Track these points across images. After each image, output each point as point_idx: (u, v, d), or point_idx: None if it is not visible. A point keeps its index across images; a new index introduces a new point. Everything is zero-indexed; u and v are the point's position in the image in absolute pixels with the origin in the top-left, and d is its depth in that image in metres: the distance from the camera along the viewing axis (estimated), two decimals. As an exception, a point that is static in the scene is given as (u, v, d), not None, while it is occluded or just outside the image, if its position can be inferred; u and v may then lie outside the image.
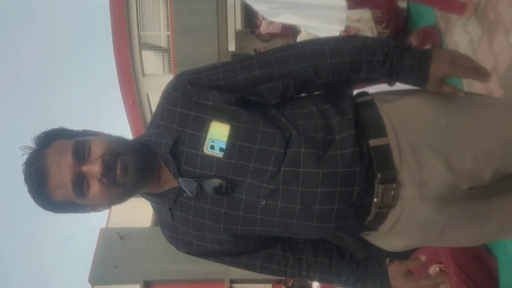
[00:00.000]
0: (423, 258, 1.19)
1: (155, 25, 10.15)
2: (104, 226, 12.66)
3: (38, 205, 1.00)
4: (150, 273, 11.50)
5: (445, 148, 1.03)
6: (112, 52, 9.97)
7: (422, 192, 1.04)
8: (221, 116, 1.01)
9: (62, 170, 0.96)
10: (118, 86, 10.55)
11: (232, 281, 11.58)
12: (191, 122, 1.01)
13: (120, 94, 10.71)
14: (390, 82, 1.07)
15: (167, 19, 9.79)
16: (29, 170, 0.96)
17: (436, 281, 1.16)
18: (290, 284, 6.48)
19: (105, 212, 12.84)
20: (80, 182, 0.97)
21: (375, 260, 1.20)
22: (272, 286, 11.21)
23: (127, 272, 11.44)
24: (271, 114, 1.06)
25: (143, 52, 10.51)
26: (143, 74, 10.80)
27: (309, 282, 5.14)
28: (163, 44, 10.58)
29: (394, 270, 1.18)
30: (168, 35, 9.96)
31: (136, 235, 11.93)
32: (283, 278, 7.54)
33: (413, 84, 1.06)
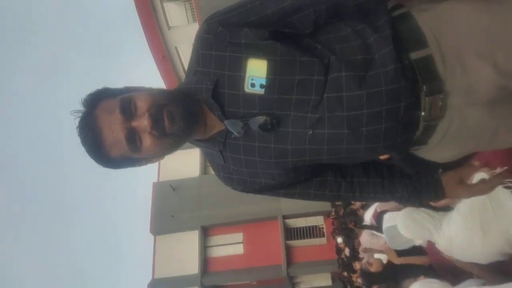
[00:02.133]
0: (476, 163, 1.16)
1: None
2: (156, 180, 13.20)
3: (98, 163, 1.04)
4: (206, 219, 12.01)
5: (490, 49, 0.99)
6: (135, 9, 9.91)
7: (470, 97, 1.01)
8: (257, 52, 0.99)
9: (114, 128, 0.99)
10: (146, 43, 10.56)
11: (285, 217, 11.90)
12: (228, 63, 1.01)
13: (150, 51, 10.75)
14: None
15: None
16: (84, 133, 1.00)
17: (492, 184, 1.14)
18: (341, 213, 6.61)
19: (155, 166, 13.37)
20: (132, 137, 0.99)
21: (427, 172, 1.19)
22: (324, 218, 11.45)
23: (184, 220, 12.00)
24: (306, 43, 1.03)
25: (164, 4, 10.38)
26: (169, 27, 10.70)
27: (359, 213, 5.16)
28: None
29: (447, 178, 1.16)
30: None
31: (188, 185, 12.39)
32: (334, 208, 7.65)
33: None
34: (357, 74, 0.98)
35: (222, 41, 1.02)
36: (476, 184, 1.16)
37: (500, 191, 2.10)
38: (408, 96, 1.00)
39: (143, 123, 0.98)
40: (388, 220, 3.22)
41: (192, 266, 11.76)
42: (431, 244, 2.74)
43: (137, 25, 9.92)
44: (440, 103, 1.01)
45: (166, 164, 12.51)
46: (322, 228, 11.86)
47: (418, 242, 3.01)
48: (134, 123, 0.99)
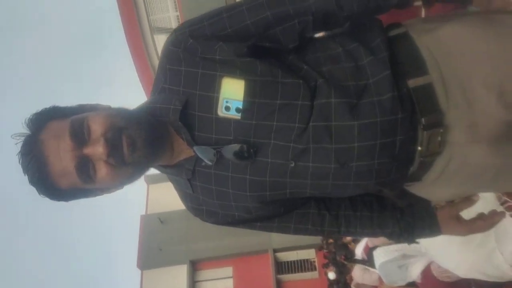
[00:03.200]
0: (476, 198, 1.06)
1: (163, 7, 10.02)
2: (143, 213, 12.97)
3: (44, 195, 0.90)
4: (195, 252, 11.78)
5: (498, 79, 0.88)
6: (125, 41, 9.94)
7: (473, 134, 0.90)
8: (233, 70, 0.87)
9: (63, 156, 0.85)
10: (136, 75, 10.54)
11: (275, 251, 11.72)
12: (199, 81, 0.89)
13: (140, 85, 10.72)
14: (429, 2, 0.93)
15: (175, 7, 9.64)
16: (26, 160, 0.87)
17: (493, 221, 1.04)
18: (332, 247, 6.48)
19: (143, 199, 13.17)
20: (85, 166, 0.86)
21: (420, 206, 1.08)
22: (316, 251, 11.28)
23: (172, 254, 11.73)
24: (291, 61, 0.92)
25: (155, 36, 10.44)
26: (159, 58, 10.73)
27: (350, 247, 5.05)
28: (173, 25, 10.49)
29: (443, 214, 1.06)
30: (177, 16, 9.83)
31: (176, 218, 12.14)
32: (324, 242, 7.51)
33: (458, 1, 0.92)
34: (348, 102, 0.86)
35: (193, 56, 0.90)
36: (474, 221, 1.05)
37: (508, 221, 2.03)
38: (405, 130, 0.88)
39: (97, 150, 0.85)
40: (380, 255, 3.12)
41: (180, 303, 11.41)
42: (425, 280, 2.65)
43: (127, 56, 9.92)
44: (439, 138, 0.90)
45: (154, 196, 12.37)
46: (314, 261, 11.67)
47: (413, 278, 2.92)
48: (87, 150, 0.86)
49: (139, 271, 12.13)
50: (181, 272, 11.70)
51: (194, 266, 12.03)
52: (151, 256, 11.85)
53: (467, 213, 1.12)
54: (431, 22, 0.98)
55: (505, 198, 2.09)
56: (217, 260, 11.81)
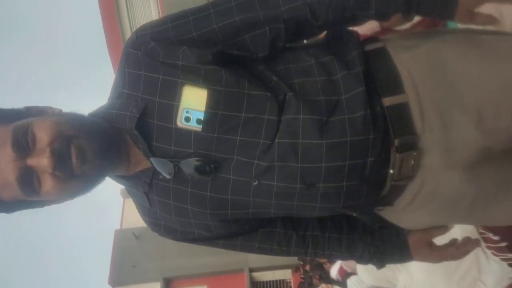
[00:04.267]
0: (450, 226, 1.03)
1: (145, 7, 9.94)
2: (118, 227, 12.68)
3: None
4: (169, 270, 11.52)
5: (478, 103, 0.84)
6: (105, 42, 9.79)
7: (448, 159, 0.85)
8: (196, 79, 0.82)
9: (3, 167, 0.78)
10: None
11: (251, 270, 11.56)
12: (160, 88, 0.83)
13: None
14: (408, 16, 0.87)
15: (159, 14, 9.61)
16: None
17: (466, 249, 1.01)
18: (307, 268, 6.42)
19: (118, 213, 12.90)
20: (28, 179, 0.79)
21: (392, 230, 1.04)
22: (292, 272, 11.18)
23: (146, 271, 11.45)
24: (260, 72, 0.87)
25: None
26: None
27: (326, 267, 5.01)
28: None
29: (415, 240, 1.03)
30: (159, 15, 9.81)
31: (152, 234, 11.64)
32: (301, 263, 7.46)
33: (438, 16, 0.86)
34: (318, 119, 0.81)
35: (153, 60, 0.83)
36: (447, 248, 1.02)
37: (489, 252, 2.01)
38: (377, 151, 0.84)
39: (42, 162, 0.78)
40: (353, 285, 3.10)
41: (152, 322, 11.11)
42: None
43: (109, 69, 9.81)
44: (412, 162, 0.85)
45: (129, 211, 12.12)
46: (290, 282, 11.55)
47: None
48: (31, 161, 0.78)
49: (111, 288, 11.82)
50: (154, 289, 11.45)
51: (168, 284, 11.75)
52: (124, 272, 11.56)
53: (441, 240, 1.08)
54: (411, 39, 0.95)
55: (481, 230, 2.06)
56: (192, 278, 11.56)
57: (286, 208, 0.90)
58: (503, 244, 2.00)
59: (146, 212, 0.98)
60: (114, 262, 11.94)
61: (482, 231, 2.09)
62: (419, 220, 0.99)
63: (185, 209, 0.90)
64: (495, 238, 2.03)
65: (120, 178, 0.94)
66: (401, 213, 0.96)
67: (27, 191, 0.81)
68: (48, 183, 0.80)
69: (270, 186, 0.84)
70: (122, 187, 0.99)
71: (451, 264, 2.02)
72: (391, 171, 0.86)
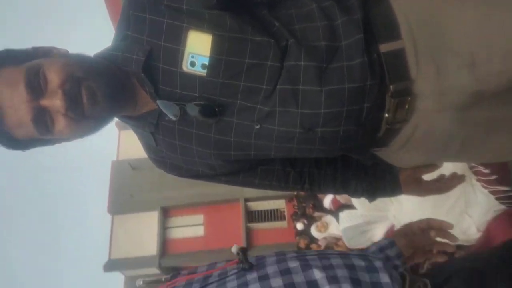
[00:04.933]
0: (439, 164, 1.08)
1: None
2: (114, 158, 12.86)
3: (2, 146, 0.88)
4: (166, 200, 11.87)
5: (471, 48, 0.84)
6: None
7: (441, 102, 0.87)
8: (200, 23, 0.82)
9: (18, 108, 0.82)
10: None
11: (247, 200, 11.93)
12: (165, 32, 0.83)
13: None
14: None
15: None
16: None
17: (451, 184, 1.08)
18: (301, 194, 6.64)
19: (114, 144, 13.02)
20: (42, 118, 0.83)
21: (384, 166, 1.09)
22: (286, 202, 11.52)
23: (143, 201, 11.82)
24: (262, 17, 0.87)
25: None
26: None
27: (319, 197, 5.18)
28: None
29: (405, 176, 1.09)
30: None
31: (148, 165, 11.98)
32: (295, 193, 7.66)
33: None
34: (318, 66, 0.83)
35: (158, 3, 0.83)
36: (434, 182, 1.09)
37: (477, 185, 2.06)
38: (373, 97, 0.85)
39: (55, 103, 0.81)
40: (345, 220, 3.20)
41: (150, 247, 11.58)
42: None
43: None
44: (407, 106, 0.87)
45: (125, 143, 12.24)
46: (284, 211, 11.97)
47: (375, 240, 3.04)
48: (44, 102, 0.81)
49: (110, 216, 12.22)
50: (152, 219, 11.84)
51: (165, 213, 12.17)
52: (122, 201, 11.93)
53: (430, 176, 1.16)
54: None
55: (472, 163, 2.11)
56: (189, 207, 11.96)
57: (286, 151, 0.93)
58: (493, 177, 2.04)
59: (152, 150, 1.02)
60: (112, 192, 12.27)
61: (473, 164, 2.13)
62: (412, 159, 1.02)
63: (190, 149, 0.94)
64: (486, 171, 2.08)
65: (127, 118, 0.96)
66: (395, 154, 0.99)
67: (42, 131, 0.84)
68: (61, 123, 0.83)
69: (271, 130, 0.87)
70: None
71: (440, 197, 2.09)
72: (386, 115, 0.88)
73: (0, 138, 0.86)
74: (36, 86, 0.81)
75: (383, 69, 0.85)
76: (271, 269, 0.78)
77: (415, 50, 0.85)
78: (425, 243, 0.99)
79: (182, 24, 0.82)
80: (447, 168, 1.86)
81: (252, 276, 0.78)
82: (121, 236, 11.84)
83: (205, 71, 0.83)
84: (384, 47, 0.85)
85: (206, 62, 0.83)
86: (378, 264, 0.81)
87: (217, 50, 0.82)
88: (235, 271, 0.82)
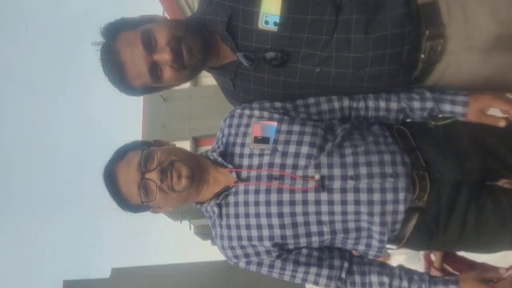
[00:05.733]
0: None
1: None
2: (157, 92, 13.08)
3: (123, 93, 1.10)
4: (197, 130, 12.18)
5: None
6: None
7: (468, 44, 1.05)
8: None
9: (137, 62, 1.03)
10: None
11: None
12: None
13: None
14: None
15: None
16: (108, 65, 1.05)
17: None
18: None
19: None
20: (155, 69, 1.04)
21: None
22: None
23: (175, 130, 12.17)
24: None
25: None
26: None
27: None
28: None
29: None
30: None
31: (178, 96, 12.36)
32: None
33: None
34: (366, 18, 1.01)
35: None
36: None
37: None
38: (412, 41, 1.03)
39: (164, 57, 1.03)
40: None
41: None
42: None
43: None
44: (439, 48, 1.05)
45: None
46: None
47: None
48: (156, 57, 1.03)
49: (144, 145, 12.63)
50: (184, 147, 12.19)
51: (197, 142, 12.49)
52: (155, 131, 12.20)
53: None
54: None
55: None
56: (219, 137, 12.23)
57: (341, 88, 1.11)
58: None
59: (230, 94, 1.24)
60: (145, 122, 12.67)
61: None
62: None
63: (262, 91, 1.14)
64: None
65: (212, 68, 1.18)
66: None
67: (154, 79, 1.06)
68: (168, 72, 1.06)
69: (329, 71, 1.07)
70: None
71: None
72: (422, 56, 1.07)
73: (123, 87, 1.08)
74: (149, 45, 1.02)
75: (420, 17, 1.03)
76: None
77: (446, 1, 1.03)
78: None
79: None
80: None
81: None
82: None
83: (276, 27, 1.02)
84: (421, 0, 1.03)
85: (277, 20, 1.02)
86: None
87: (286, 10, 1.01)
88: None
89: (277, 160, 1.02)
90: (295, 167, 1.01)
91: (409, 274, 1.10)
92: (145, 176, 1.05)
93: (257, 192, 1.03)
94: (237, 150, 1.08)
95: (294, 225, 1.01)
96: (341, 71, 1.06)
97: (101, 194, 1.11)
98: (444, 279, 1.12)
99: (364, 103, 1.14)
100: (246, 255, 1.09)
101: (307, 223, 1.01)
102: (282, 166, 1.02)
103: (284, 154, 1.02)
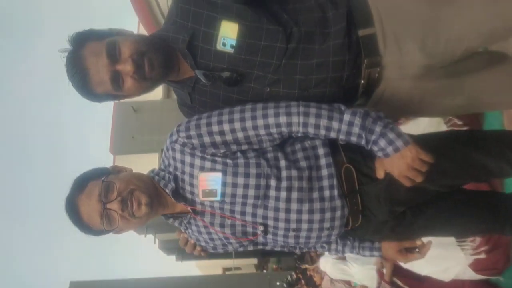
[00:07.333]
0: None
1: None
2: (117, 100, 12.92)
3: (84, 98, 1.18)
4: (167, 142, 12.06)
5: (422, 34, 1.16)
6: None
7: (401, 72, 1.20)
8: (230, 15, 1.12)
9: (100, 70, 1.11)
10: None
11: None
12: (204, 20, 1.13)
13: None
14: None
15: None
16: (72, 71, 1.12)
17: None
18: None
19: (117, 87, 13.05)
20: (116, 78, 1.12)
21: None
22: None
23: (145, 142, 12.02)
24: (275, 11, 1.17)
25: None
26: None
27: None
28: None
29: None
30: None
31: (149, 108, 12.33)
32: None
33: None
34: (312, 47, 1.15)
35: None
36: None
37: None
38: (351, 67, 1.18)
39: (126, 67, 1.11)
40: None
41: (150, 187, 11.90)
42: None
43: None
44: (377, 75, 1.20)
45: (128, 85, 12.18)
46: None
47: None
48: (119, 67, 1.12)
49: (112, 156, 12.52)
50: (153, 160, 12.05)
51: (166, 155, 12.37)
52: (124, 142, 12.16)
53: (416, 128, 1.44)
54: None
55: (449, 117, 2.40)
56: (188, 150, 12.12)
57: None
58: (465, 128, 2.34)
59: (187, 107, 1.34)
60: (114, 133, 12.48)
61: (450, 117, 2.42)
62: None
63: (217, 106, 1.23)
64: (459, 122, 2.39)
65: (171, 82, 1.28)
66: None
67: (115, 87, 1.14)
68: (128, 82, 1.14)
69: (277, 91, 1.19)
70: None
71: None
72: (362, 81, 1.22)
73: (85, 92, 1.15)
74: (113, 55, 1.10)
75: (360, 47, 1.17)
76: None
77: (383, 35, 1.18)
78: None
79: (217, 15, 1.14)
80: (424, 122, 2.22)
81: None
82: (123, 175, 12.13)
83: (233, 49, 1.14)
84: (361, 32, 1.18)
85: (234, 43, 1.13)
86: None
87: (242, 35, 1.13)
88: None
89: (227, 206, 1.17)
90: (243, 214, 1.17)
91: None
92: (107, 206, 1.12)
93: (212, 216, 1.21)
94: (188, 187, 1.19)
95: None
96: (288, 91, 1.18)
97: (61, 209, 1.17)
98: (370, 247, 1.35)
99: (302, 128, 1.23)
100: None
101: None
102: (232, 211, 1.18)
103: (232, 203, 1.16)
